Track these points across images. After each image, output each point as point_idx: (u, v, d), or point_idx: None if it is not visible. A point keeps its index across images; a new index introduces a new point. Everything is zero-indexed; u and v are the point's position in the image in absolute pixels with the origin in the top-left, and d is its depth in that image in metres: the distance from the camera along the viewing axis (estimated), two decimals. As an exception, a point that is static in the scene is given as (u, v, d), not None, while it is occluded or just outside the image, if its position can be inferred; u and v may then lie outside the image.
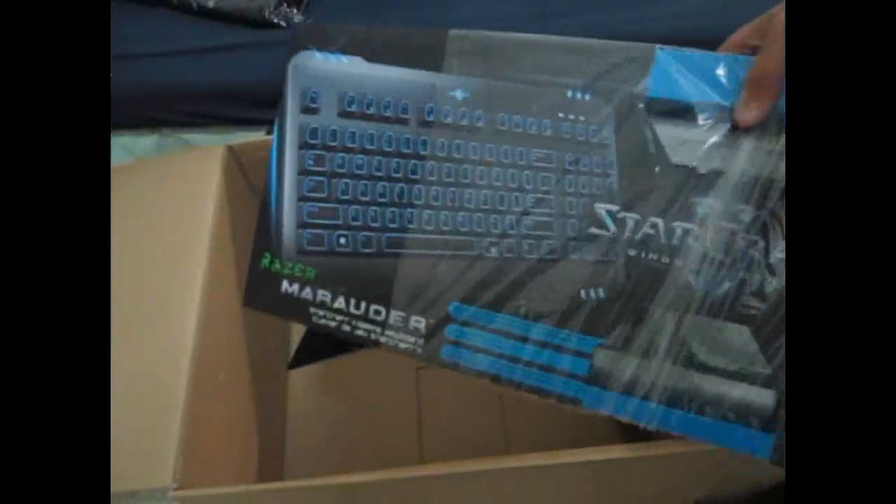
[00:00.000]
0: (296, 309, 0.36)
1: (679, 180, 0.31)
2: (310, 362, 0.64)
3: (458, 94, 0.35)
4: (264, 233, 0.37)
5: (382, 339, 0.35)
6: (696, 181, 0.31)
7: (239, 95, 0.85)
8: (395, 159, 0.35)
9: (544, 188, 0.33)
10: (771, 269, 0.29)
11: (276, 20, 0.85)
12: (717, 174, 0.31)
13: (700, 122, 0.31)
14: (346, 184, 0.35)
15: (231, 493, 0.41)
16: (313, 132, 0.36)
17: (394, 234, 0.35)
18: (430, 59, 0.35)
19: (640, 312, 0.31)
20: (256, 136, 0.84)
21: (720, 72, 0.31)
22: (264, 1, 0.85)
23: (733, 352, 0.30)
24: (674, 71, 0.32)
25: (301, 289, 0.36)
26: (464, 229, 0.34)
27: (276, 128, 0.37)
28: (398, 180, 0.35)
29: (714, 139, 0.31)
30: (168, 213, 0.51)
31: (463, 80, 0.35)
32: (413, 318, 0.34)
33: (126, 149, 0.85)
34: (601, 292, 0.32)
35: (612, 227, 0.32)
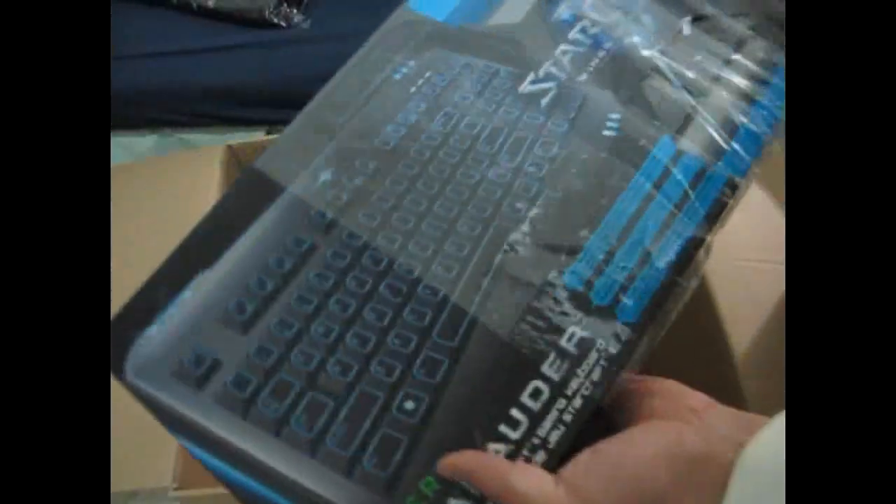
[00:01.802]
0: None
1: (532, 21, 0.31)
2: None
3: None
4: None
5: (577, 403, 0.24)
6: (538, 11, 0.32)
7: (239, 95, 0.85)
8: (349, 276, 0.26)
9: (478, 129, 0.29)
10: None
11: (275, 20, 0.85)
12: None
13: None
14: (337, 361, 0.25)
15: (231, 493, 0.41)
16: (237, 383, 0.25)
17: (438, 324, 0.25)
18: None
19: (642, 92, 0.29)
20: (256, 135, 0.85)
21: None
22: (264, 1, 0.85)
23: None
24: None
25: None
26: (487, 214, 0.27)
27: (192, 450, 0.25)
28: (368, 295, 0.26)
29: None
30: (167, 213, 0.51)
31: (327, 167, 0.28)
32: (562, 340, 0.25)
33: (126, 149, 0.85)
34: (613, 115, 0.29)
35: (550, 83, 0.30)
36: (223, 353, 0.25)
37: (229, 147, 0.54)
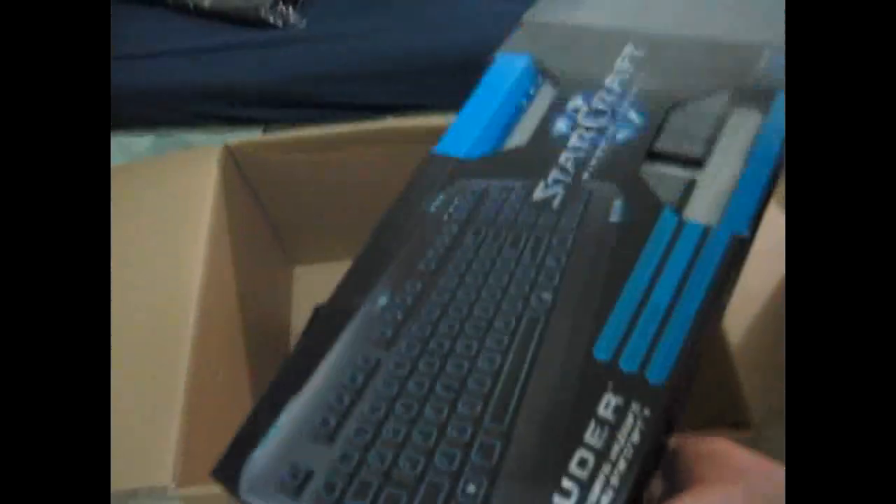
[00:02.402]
0: None
1: (536, 142, 0.36)
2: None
3: (383, 300, 0.32)
4: None
5: (622, 467, 0.26)
6: (541, 133, 0.36)
7: (236, 95, 0.85)
8: (411, 380, 0.30)
9: (495, 249, 0.33)
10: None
11: (272, 20, 0.85)
12: (540, 119, 0.36)
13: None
14: (407, 457, 0.29)
15: (231, 490, 0.41)
16: (327, 487, 0.28)
17: (488, 412, 0.29)
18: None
19: (640, 178, 0.33)
20: (253, 135, 0.85)
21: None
22: (260, 1, 0.85)
23: None
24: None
25: None
26: (511, 326, 0.30)
27: None
28: (425, 384, 0.30)
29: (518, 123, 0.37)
30: (166, 213, 0.51)
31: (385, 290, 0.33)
32: (599, 408, 0.27)
33: (123, 149, 0.85)
34: (616, 203, 0.33)
35: (558, 187, 0.34)
36: (315, 464, 0.29)
37: (226, 146, 0.54)
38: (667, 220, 0.31)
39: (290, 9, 0.86)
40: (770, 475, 0.25)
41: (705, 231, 0.30)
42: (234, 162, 0.56)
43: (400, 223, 0.35)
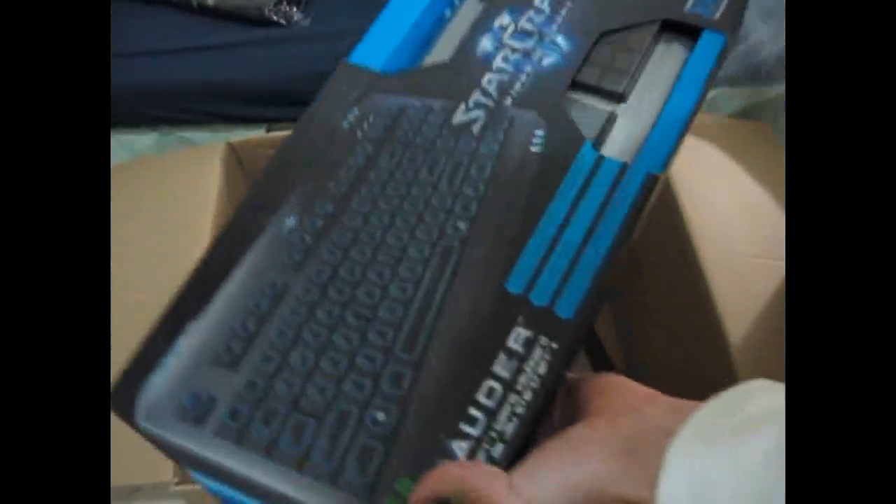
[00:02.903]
0: None
1: (459, 59, 0.35)
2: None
3: (290, 222, 0.31)
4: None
5: (527, 396, 0.27)
6: (464, 47, 0.35)
7: (239, 93, 0.85)
8: (321, 308, 0.29)
9: (417, 165, 0.32)
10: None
11: (275, 18, 0.85)
12: (468, 32, 0.35)
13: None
14: (317, 386, 0.28)
15: (232, 488, 0.41)
16: (231, 415, 0.27)
17: (400, 339, 0.28)
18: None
19: (565, 112, 0.33)
20: (257, 133, 0.85)
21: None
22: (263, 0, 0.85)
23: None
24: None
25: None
26: (425, 252, 0.30)
27: (198, 478, 0.27)
28: (339, 314, 0.29)
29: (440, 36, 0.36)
30: (168, 211, 0.51)
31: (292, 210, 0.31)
32: (510, 340, 0.28)
33: (126, 147, 0.85)
34: (538, 133, 0.32)
35: (479, 112, 0.33)
36: (217, 391, 0.28)
37: (230, 144, 0.54)
38: (585, 156, 0.30)
39: (294, 7, 0.86)
40: (675, 407, 0.25)
41: (622, 168, 0.30)
42: (237, 160, 0.56)
43: (310, 137, 0.33)
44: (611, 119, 0.33)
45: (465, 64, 0.34)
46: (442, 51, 0.35)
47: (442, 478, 0.25)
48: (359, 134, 0.33)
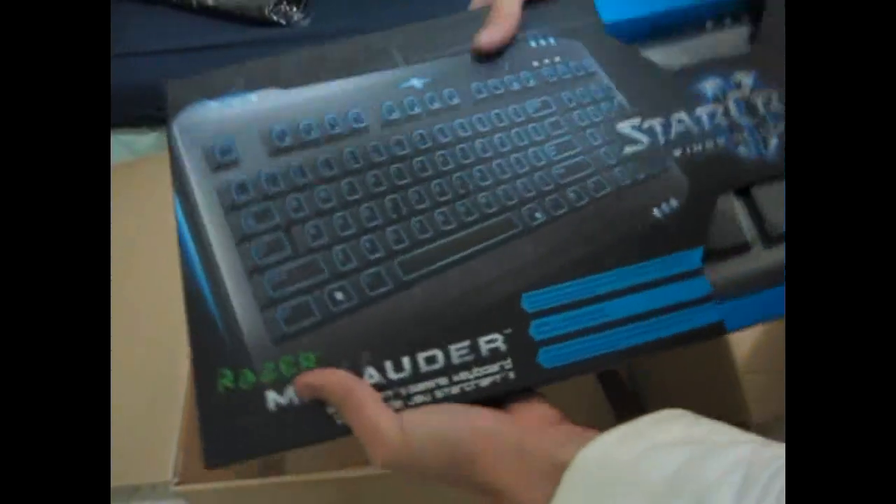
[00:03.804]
0: (308, 424, 0.26)
1: (674, 78, 0.32)
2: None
3: (416, 83, 0.31)
4: (210, 344, 0.27)
5: (454, 391, 0.27)
6: (688, 73, 0.32)
7: (239, 93, 0.85)
8: (370, 172, 0.29)
9: (558, 132, 0.30)
10: None
11: (275, 18, 0.85)
12: (702, 62, 0.32)
13: (654, 36, 0.33)
14: (316, 226, 0.29)
15: (232, 487, 0.41)
16: (241, 187, 0.29)
17: (407, 256, 0.29)
18: (367, 61, 0.31)
19: (713, 204, 0.30)
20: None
21: None
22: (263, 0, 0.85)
23: None
24: None
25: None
26: (493, 209, 0.29)
27: (177, 206, 0.29)
28: (384, 193, 0.29)
29: (680, 41, 0.33)
30: (169, 211, 0.51)
31: (414, 68, 0.31)
32: (482, 340, 0.28)
33: (127, 147, 0.85)
34: (673, 202, 0.29)
35: (645, 139, 0.30)
36: (246, 158, 0.29)
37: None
38: (691, 255, 0.29)
39: (294, 7, 0.86)
40: (564, 429, 0.26)
41: (707, 296, 0.28)
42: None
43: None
44: (741, 248, 0.30)
45: (675, 85, 0.32)
46: (666, 54, 0.33)
47: (338, 382, 0.26)
48: (545, 66, 0.32)
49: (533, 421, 0.26)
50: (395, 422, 0.25)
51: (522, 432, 0.25)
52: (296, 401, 0.27)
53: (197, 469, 0.40)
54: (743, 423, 0.40)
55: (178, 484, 0.39)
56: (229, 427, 0.27)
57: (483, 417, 0.26)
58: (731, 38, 0.33)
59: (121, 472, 0.38)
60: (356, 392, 0.26)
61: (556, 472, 0.23)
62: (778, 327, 0.46)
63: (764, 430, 0.40)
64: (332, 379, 0.26)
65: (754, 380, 0.42)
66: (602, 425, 0.37)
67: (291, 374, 0.27)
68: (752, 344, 0.44)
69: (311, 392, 0.26)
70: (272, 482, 0.42)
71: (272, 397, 0.27)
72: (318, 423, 0.27)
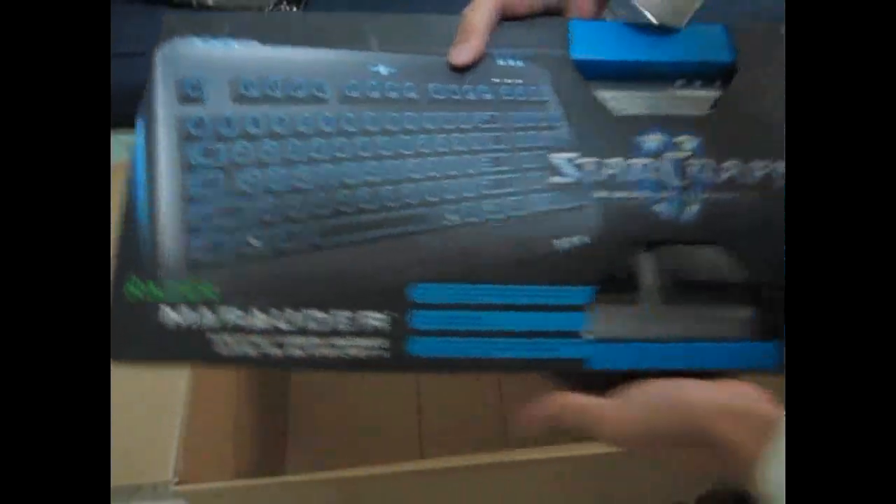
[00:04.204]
0: (189, 344, 0.29)
1: (622, 124, 0.33)
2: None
3: (382, 70, 0.33)
4: (129, 252, 0.30)
5: (328, 353, 0.29)
6: (638, 122, 0.33)
7: (239, 93, 0.84)
8: (316, 139, 0.31)
9: (496, 147, 0.32)
10: (724, 187, 0.32)
11: (276, 18, 0.85)
12: (655, 116, 0.33)
13: (621, 79, 0.34)
14: (253, 174, 0.31)
15: (231, 487, 0.41)
16: (198, 122, 0.31)
17: (325, 222, 0.31)
18: (344, 39, 0.33)
19: (620, 252, 0.31)
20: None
21: (627, 36, 0.34)
22: (264, 0, 0.85)
23: (712, 272, 0.32)
24: (590, 36, 0.34)
25: (195, 313, 0.29)
26: (413, 201, 0.31)
27: (139, 126, 0.32)
28: (322, 161, 0.31)
29: (641, 91, 0.34)
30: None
31: (384, 56, 0.33)
32: (366, 315, 0.30)
33: (128, 147, 0.85)
34: (578, 239, 0.31)
35: (574, 173, 0.32)
36: (211, 98, 0.31)
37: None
38: (577, 297, 0.30)
39: (294, 7, 0.86)
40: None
41: (578, 334, 0.30)
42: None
43: None
44: (631, 299, 0.31)
45: (620, 132, 0.32)
46: (624, 99, 0.34)
47: (563, 407, 0.29)
48: (505, 85, 0.33)
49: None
50: (616, 406, 0.29)
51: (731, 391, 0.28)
52: (184, 323, 0.29)
53: (197, 469, 0.40)
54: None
55: (178, 484, 0.39)
56: (130, 329, 0.29)
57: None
58: (694, 100, 0.34)
59: (121, 472, 0.38)
60: (579, 403, 0.29)
61: (768, 427, 0.25)
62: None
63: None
64: (561, 403, 0.29)
65: (754, 380, 0.42)
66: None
67: (189, 298, 0.29)
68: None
69: (549, 422, 0.30)
70: (272, 482, 0.42)
71: (168, 314, 0.29)
72: (200, 348, 0.29)
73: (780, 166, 0.32)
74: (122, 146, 0.91)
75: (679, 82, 0.34)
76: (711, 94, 0.34)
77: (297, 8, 0.87)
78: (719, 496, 0.52)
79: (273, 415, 0.61)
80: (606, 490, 0.48)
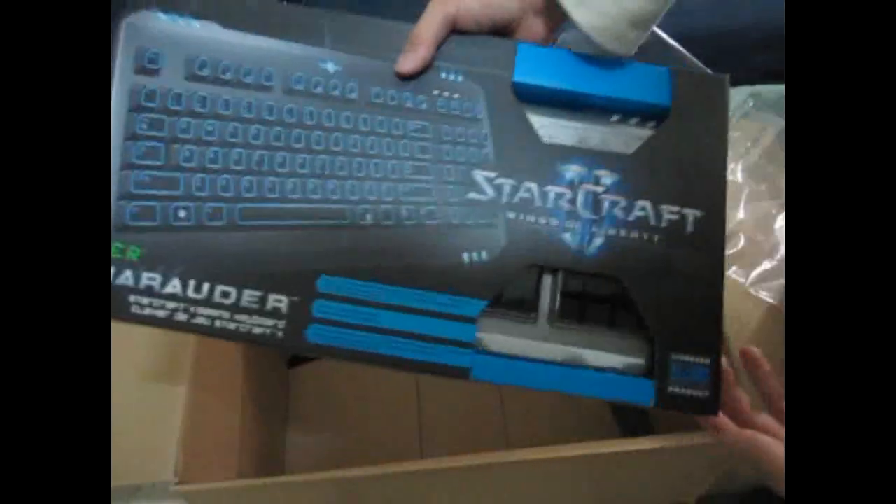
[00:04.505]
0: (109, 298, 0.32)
1: (547, 151, 0.34)
2: (311, 358, 0.64)
3: (330, 67, 0.34)
4: None
5: (230, 326, 0.31)
6: (563, 151, 0.34)
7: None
8: (256, 126, 0.33)
9: (422, 156, 0.33)
10: (632, 226, 0.33)
11: (276, 17, 0.85)
12: (579, 148, 0.34)
13: (558, 107, 0.35)
14: (191, 150, 0.32)
15: (231, 487, 0.41)
16: (150, 94, 0.33)
17: (250, 205, 0.32)
18: (300, 32, 0.34)
19: (520, 272, 0.33)
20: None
21: (572, 65, 0.35)
22: None
23: (605, 305, 0.33)
24: (535, 61, 0.34)
25: (118, 273, 0.31)
26: (335, 197, 0.33)
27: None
28: (258, 147, 0.33)
29: (574, 121, 0.35)
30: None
31: (335, 54, 0.34)
32: (272, 297, 0.32)
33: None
34: (483, 254, 0.32)
35: (491, 192, 0.33)
36: (165, 73, 0.33)
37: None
38: (471, 309, 0.32)
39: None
40: None
41: (467, 344, 0.31)
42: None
43: None
44: (526, 318, 0.33)
45: (542, 158, 0.34)
46: (556, 127, 0.34)
47: (740, 437, 0.31)
48: (442, 98, 0.34)
49: None
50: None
51: None
52: (111, 279, 0.32)
53: (197, 469, 0.40)
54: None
55: (178, 484, 0.39)
56: None
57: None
58: (625, 137, 0.34)
59: (121, 472, 0.38)
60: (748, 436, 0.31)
61: None
62: (778, 327, 0.46)
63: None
64: (739, 437, 0.31)
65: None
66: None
67: (116, 257, 0.32)
68: (752, 344, 0.44)
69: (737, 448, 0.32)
70: (272, 482, 0.42)
71: None
72: (118, 305, 0.31)
73: (691, 213, 0.33)
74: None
75: (615, 117, 0.35)
76: (643, 133, 0.34)
77: (298, 8, 0.87)
78: (719, 496, 0.52)
79: (273, 415, 0.61)
80: (606, 490, 0.49)
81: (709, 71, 0.65)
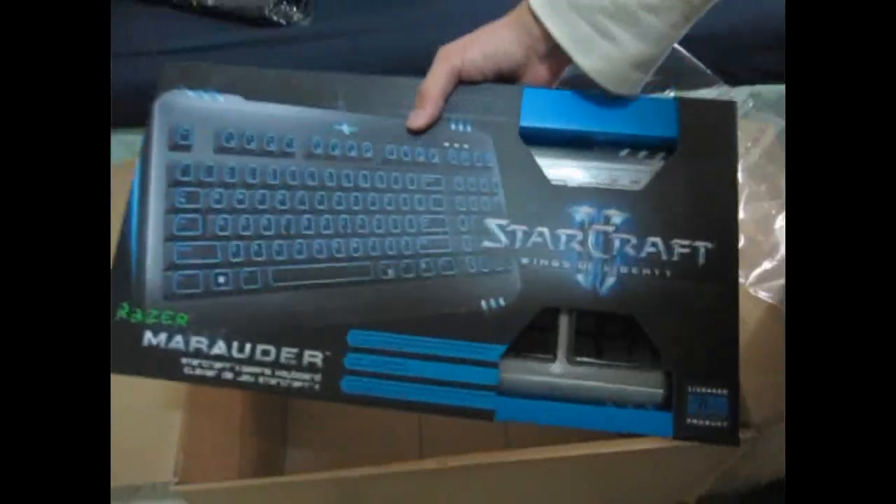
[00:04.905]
0: (163, 363, 0.33)
1: (557, 194, 0.34)
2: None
3: (346, 129, 0.36)
4: (122, 280, 0.34)
5: (272, 382, 0.33)
6: (572, 193, 0.34)
7: (239, 93, 0.85)
8: (281, 191, 0.35)
9: (437, 209, 0.35)
10: (644, 262, 0.33)
11: (275, 18, 0.85)
12: (588, 188, 0.35)
13: (567, 147, 0.36)
14: (225, 219, 0.35)
15: (231, 487, 0.41)
16: (185, 169, 0.35)
17: (282, 267, 0.34)
18: (315, 98, 0.36)
19: (538, 316, 0.33)
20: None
21: (577, 105, 0.35)
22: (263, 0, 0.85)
23: (623, 342, 0.34)
24: (541, 104, 0.35)
25: (170, 338, 0.33)
26: (358, 254, 0.34)
27: (138, 167, 0.36)
28: (285, 212, 0.35)
29: (584, 160, 0.35)
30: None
31: (349, 115, 0.36)
32: (307, 352, 0.33)
33: (127, 146, 0.85)
34: (501, 301, 0.33)
35: (504, 239, 0.34)
36: (197, 147, 0.35)
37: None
38: (492, 354, 0.33)
39: (294, 7, 0.86)
40: None
41: (490, 388, 0.32)
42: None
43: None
44: (546, 358, 0.34)
45: (552, 202, 0.34)
46: (565, 167, 0.35)
47: None
48: (453, 149, 0.36)
49: None
50: None
51: None
52: (161, 345, 0.33)
53: (197, 469, 0.40)
54: (743, 423, 0.40)
55: (178, 484, 0.39)
56: (117, 345, 0.33)
57: None
58: (632, 173, 0.35)
59: (121, 472, 0.38)
60: None
61: None
62: (777, 327, 0.46)
63: (764, 430, 0.40)
64: None
65: (754, 380, 0.42)
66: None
67: (166, 324, 0.34)
68: (752, 344, 0.44)
69: None
70: (272, 482, 0.42)
71: (147, 336, 0.34)
72: (171, 368, 0.33)
73: (703, 246, 0.33)
74: (121, 146, 0.91)
75: (623, 152, 0.35)
76: (652, 166, 0.35)
77: (297, 8, 0.87)
78: (719, 496, 0.52)
79: (273, 415, 0.61)
80: (606, 490, 0.49)
81: (709, 72, 0.65)
